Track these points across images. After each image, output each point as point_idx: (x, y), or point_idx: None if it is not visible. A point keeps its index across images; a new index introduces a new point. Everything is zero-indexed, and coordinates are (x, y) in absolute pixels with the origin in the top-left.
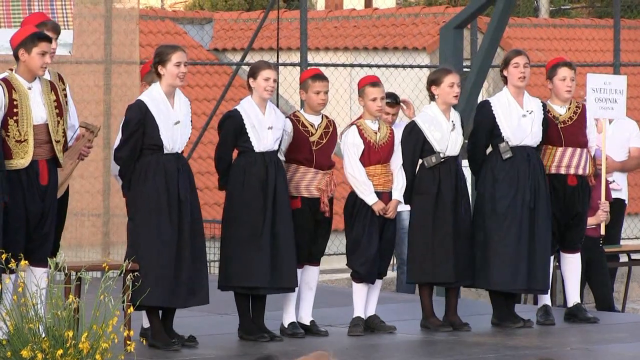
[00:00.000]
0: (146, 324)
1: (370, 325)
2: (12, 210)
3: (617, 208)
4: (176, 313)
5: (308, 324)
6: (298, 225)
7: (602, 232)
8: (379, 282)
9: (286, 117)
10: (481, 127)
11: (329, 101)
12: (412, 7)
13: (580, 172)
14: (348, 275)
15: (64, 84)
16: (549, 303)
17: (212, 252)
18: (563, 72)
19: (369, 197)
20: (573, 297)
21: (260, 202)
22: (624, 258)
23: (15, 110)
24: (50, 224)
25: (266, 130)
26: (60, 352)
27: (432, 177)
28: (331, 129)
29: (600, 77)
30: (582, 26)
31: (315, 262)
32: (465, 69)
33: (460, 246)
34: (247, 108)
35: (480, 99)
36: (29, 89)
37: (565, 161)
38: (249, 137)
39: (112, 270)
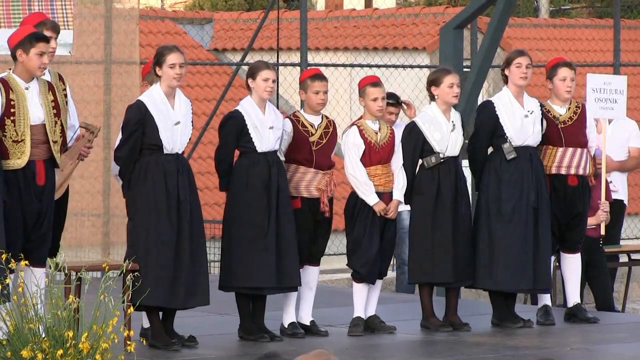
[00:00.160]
0: (146, 324)
1: (370, 326)
2: (9, 211)
3: (617, 208)
4: (176, 313)
5: (308, 324)
6: (298, 226)
7: (602, 232)
8: (379, 283)
9: (286, 117)
10: (484, 127)
11: (329, 101)
12: (412, 7)
13: (580, 172)
14: (348, 275)
15: (64, 84)
16: (549, 303)
17: (212, 252)
18: (563, 72)
19: (370, 198)
20: (573, 297)
21: (264, 202)
22: (624, 258)
23: (12, 110)
24: (48, 224)
25: (267, 130)
26: (60, 352)
27: (431, 178)
28: (331, 129)
29: (600, 77)
30: (582, 26)
31: (315, 262)
32: (465, 69)
33: (460, 246)
34: (248, 108)
35: (480, 99)
36: (27, 89)
37: (565, 161)
38: (251, 138)
39: (112, 270)
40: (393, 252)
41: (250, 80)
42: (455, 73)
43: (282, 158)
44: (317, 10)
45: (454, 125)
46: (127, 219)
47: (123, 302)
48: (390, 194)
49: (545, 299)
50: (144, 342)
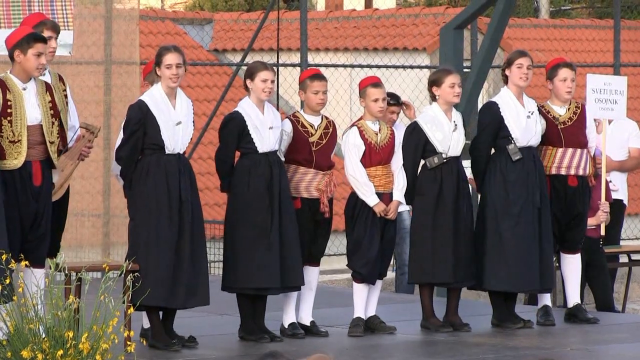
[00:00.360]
0: (146, 324)
1: (371, 326)
2: (6, 211)
3: (617, 208)
4: (177, 313)
5: (308, 324)
6: (298, 226)
7: (602, 232)
8: (379, 283)
9: (286, 117)
10: (488, 128)
11: (329, 102)
12: (412, 7)
13: (580, 172)
14: (348, 275)
15: (64, 84)
16: (549, 303)
17: (213, 252)
18: (563, 72)
19: (370, 199)
20: (573, 297)
21: (266, 202)
22: (624, 259)
23: (9, 110)
24: (46, 225)
25: (268, 131)
26: (60, 352)
27: (434, 178)
28: (331, 129)
29: (601, 78)
30: (582, 27)
31: (315, 262)
32: (465, 70)
33: (461, 247)
34: (247, 109)
35: (480, 100)
36: (24, 89)
37: (565, 162)
38: (252, 139)
39: (113, 270)
40: (393, 253)
41: (248, 81)
42: (456, 73)
43: (282, 158)
44: (317, 11)
45: (455, 125)
46: (127, 220)
47: (123, 302)
48: (391, 194)
49: (546, 299)
50: (144, 342)
